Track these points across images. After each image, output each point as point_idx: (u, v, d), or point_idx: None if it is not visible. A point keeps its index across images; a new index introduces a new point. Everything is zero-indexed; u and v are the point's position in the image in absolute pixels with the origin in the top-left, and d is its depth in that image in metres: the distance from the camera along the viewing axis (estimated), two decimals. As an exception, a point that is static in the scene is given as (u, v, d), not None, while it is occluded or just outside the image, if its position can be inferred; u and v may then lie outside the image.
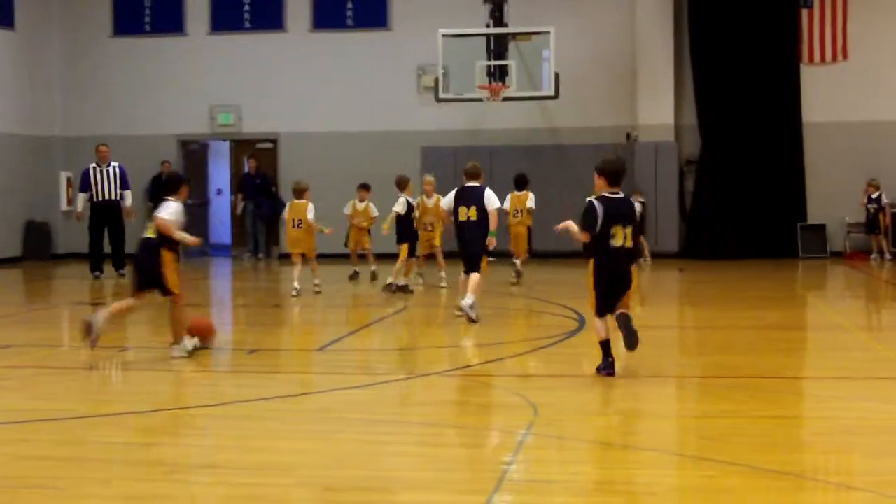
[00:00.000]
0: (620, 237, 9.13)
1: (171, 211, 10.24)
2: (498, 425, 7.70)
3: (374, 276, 17.83)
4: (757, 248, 22.64)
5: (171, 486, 6.09)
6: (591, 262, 9.26)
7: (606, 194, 9.34)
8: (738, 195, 23.05)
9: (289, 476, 6.25)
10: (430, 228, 16.97)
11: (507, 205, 17.12)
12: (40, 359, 10.91)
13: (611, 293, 9.28)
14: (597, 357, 9.22)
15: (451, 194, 13.38)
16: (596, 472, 6.33)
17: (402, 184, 16.99)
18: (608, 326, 9.23)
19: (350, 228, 18.19)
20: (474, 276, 12.79)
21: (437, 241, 17.03)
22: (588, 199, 9.31)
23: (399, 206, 16.68)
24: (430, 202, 16.88)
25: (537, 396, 8.29)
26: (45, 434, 7.39)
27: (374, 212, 17.96)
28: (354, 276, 18.18)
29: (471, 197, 13.08)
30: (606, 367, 9.15)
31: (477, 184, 13.17)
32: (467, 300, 12.66)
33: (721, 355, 10.77)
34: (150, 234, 10.34)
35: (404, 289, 16.27)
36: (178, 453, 6.83)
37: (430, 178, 17.39)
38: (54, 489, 6.03)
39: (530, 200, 17.83)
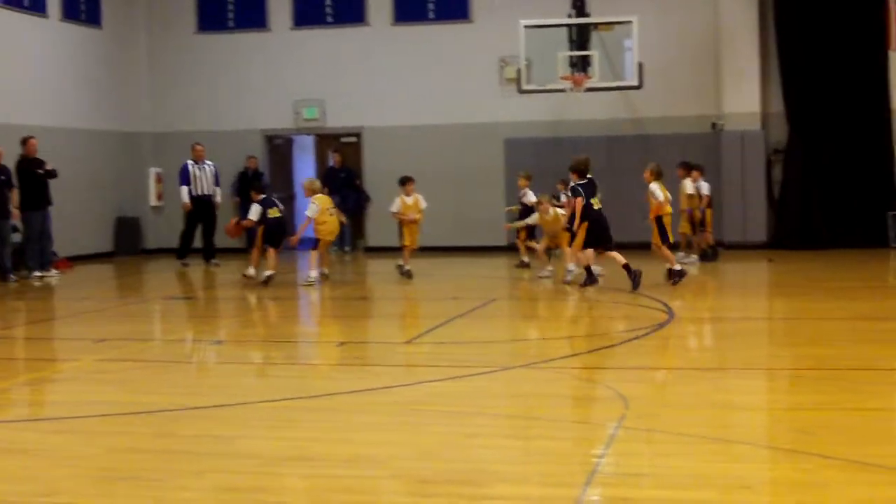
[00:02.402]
0: (597, 203, 15.25)
1: None
2: (589, 418, 7.67)
3: (409, 275, 17.53)
4: (846, 237, 22.26)
5: (263, 478, 6.15)
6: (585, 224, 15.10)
7: (583, 181, 15.30)
8: (827, 184, 22.68)
9: (381, 468, 6.29)
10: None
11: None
12: (135, 352, 11.10)
13: (597, 237, 15.21)
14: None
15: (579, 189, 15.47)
16: (688, 466, 6.27)
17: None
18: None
19: (403, 225, 17.78)
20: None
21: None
22: (572, 185, 15.46)
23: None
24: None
25: (628, 389, 8.25)
26: (140, 427, 7.52)
27: (423, 203, 17.89)
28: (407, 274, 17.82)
29: (596, 189, 15.68)
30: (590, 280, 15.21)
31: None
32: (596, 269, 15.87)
33: (812, 347, 10.62)
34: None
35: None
36: (270, 446, 6.89)
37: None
38: (150, 481, 6.13)
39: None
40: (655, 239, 16.17)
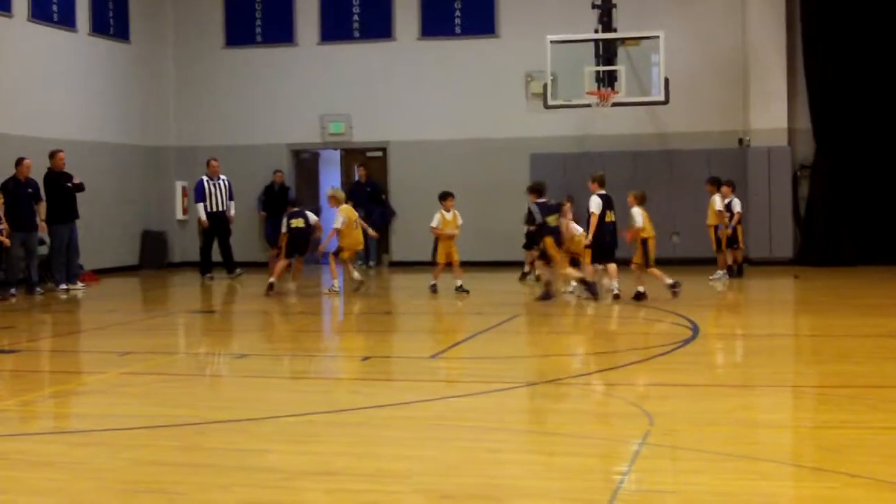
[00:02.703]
0: (554, 220, 16.00)
1: None
2: (612, 434, 7.64)
3: (463, 289, 17.42)
4: (873, 254, 22.16)
5: (288, 492, 6.16)
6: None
7: (539, 202, 16.18)
8: (854, 200, 22.59)
9: (404, 483, 6.28)
10: None
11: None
12: (160, 365, 11.13)
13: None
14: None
15: (599, 200, 16.16)
16: (713, 483, 6.23)
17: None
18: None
19: (440, 241, 17.71)
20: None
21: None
22: (529, 205, 16.35)
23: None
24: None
25: (652, 405, 8.23)
26: (165, 440, 7.54)
27: (460, 219, 17.89)
28: (461, 290, 17.80)
29: (612, 202, 16.42)
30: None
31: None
32: (615, 283, 16.16)
33: (839, 364, 10.55)
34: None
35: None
36: (294, 460, 6.90)
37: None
38: (174, 494, 6.14)
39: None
40: (637, 259, 16.33)
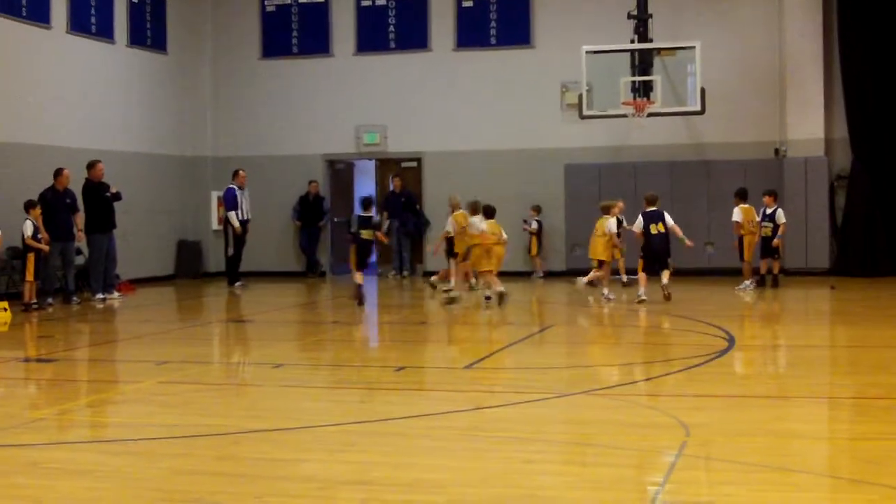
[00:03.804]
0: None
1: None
2: (648, 445, 7.61)
3: (502, 298, 17.14)
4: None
5: (323, 501, 6.17)
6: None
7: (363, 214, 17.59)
8: (891, 210, 22.44)
9: (439, 493, 6.28)
10: None
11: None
12: (196, 375, 11.19)
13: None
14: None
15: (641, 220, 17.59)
16: (750, 495, 6.20)
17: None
18: None
19: (477, 248, 17.52)
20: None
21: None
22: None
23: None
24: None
25: (688, 416, 8.20)
26: (202, 449, 7.58)
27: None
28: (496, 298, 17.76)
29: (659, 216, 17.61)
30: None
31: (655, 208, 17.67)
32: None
33: (876, 375, 10.48)
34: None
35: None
36: (329, 469, 6.91)
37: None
38: (211, 503, 6.17)
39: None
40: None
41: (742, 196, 19.81)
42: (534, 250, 23.36)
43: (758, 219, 19.73)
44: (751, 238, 19.63)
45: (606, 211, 18.30)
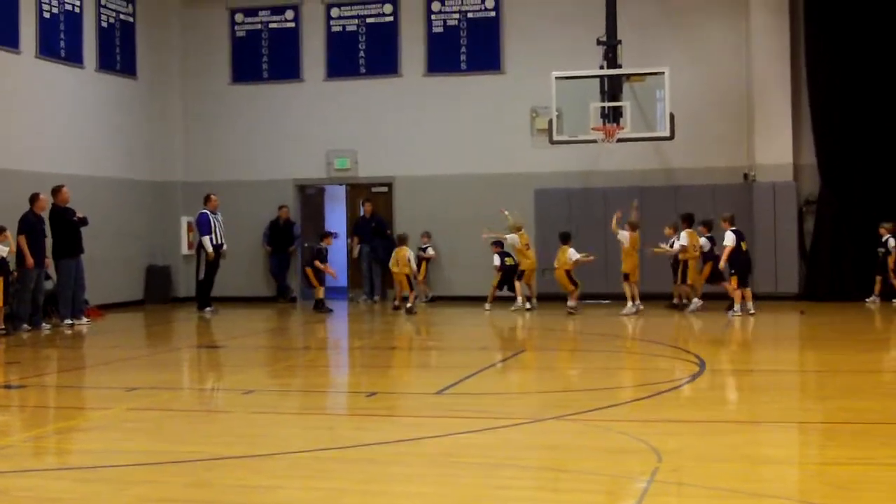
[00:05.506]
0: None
1: None
2: (620, 471, 7.62)
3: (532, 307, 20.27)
4: (880, 290, 22.11)
5: (296, 529, 6.14)
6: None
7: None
8: (859, 235, 22.57)
9: (412, 521, 6.27)
10: None
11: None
12: (166, 401, 11.12)
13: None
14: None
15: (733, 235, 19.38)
16: (722, 520, 6.22)
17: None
18: None
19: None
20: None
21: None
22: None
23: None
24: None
25: (660, 442, 8.21)
26: (172, 476, 7.53)
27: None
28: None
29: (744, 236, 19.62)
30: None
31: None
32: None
33: (846, 400, 10.53)
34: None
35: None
36: (303, 496, 6.89)
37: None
38: (182, 531, 6.13)
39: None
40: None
41: (689, 221, 20.77)
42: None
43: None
44: (693, 262, 20.47)
45: (565, 240, 19.37)
